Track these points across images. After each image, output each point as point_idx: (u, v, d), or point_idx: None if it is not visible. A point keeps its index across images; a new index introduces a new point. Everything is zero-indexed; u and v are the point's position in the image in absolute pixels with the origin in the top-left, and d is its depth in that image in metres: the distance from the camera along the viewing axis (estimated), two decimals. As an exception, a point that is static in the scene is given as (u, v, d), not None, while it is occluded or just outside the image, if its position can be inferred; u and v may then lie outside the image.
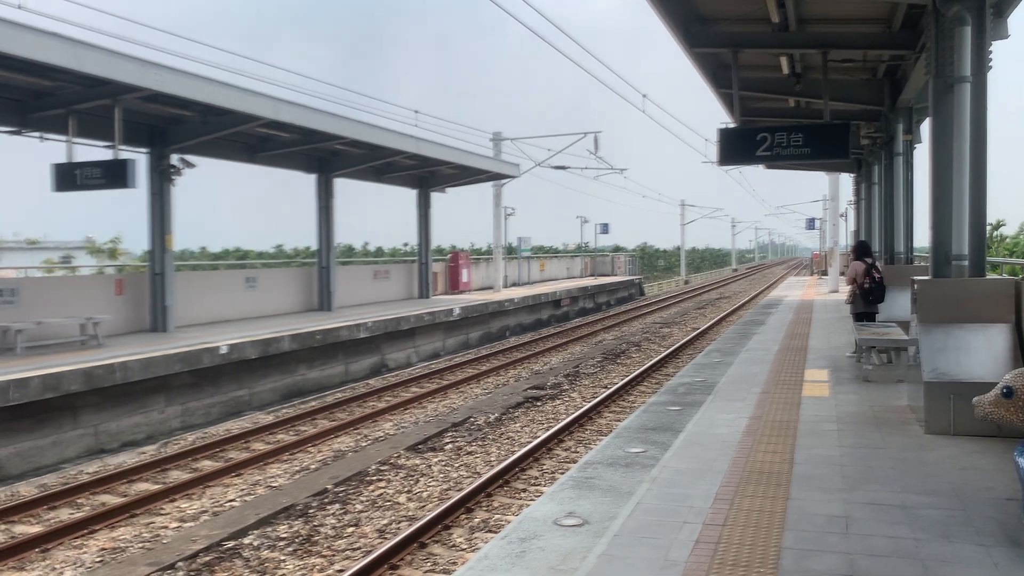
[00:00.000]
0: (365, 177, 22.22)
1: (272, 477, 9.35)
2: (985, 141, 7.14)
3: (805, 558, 4.10)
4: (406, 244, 42.40)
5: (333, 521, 7.74)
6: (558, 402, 13.43)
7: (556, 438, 10.56)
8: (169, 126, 15.00)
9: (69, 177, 12.97)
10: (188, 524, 7.80)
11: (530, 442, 10.39)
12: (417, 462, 9.77)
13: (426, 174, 24.04)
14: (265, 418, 12.74)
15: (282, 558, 6.87)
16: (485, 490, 8.38)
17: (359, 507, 8.14)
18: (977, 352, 6.68)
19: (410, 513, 7.95)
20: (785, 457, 6.03)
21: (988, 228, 14.02)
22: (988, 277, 7.51)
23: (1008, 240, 22.21)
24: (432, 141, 20.28)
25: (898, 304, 11.17)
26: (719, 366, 10.91)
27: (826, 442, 6.48)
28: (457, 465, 9.67)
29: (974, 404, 4.90)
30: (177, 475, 9.58)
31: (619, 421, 11.26)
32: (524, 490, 8.61)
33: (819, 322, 16.50)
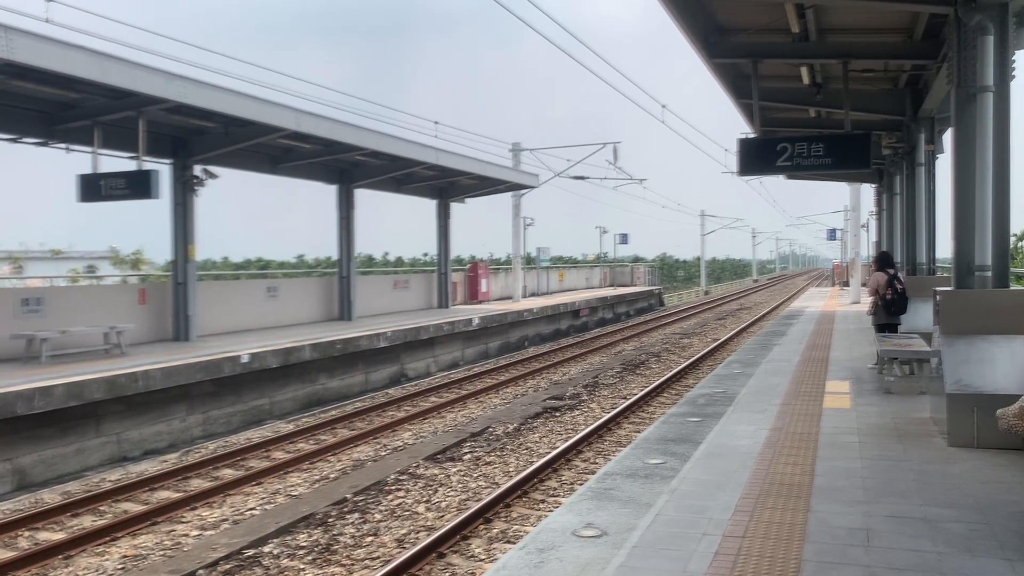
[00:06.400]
0: (385, 188, 22.35)
1: (292, 486, 9.40)
2: (1008, 151, 7.08)
3: (825, 571, 4.07)
4: (426, 254, 42.63)
5: (352, 530, 7.76)
6: (577, 413, 13.40)
7: (575, 449, 10.53)
8: (192, 137, 15.19)
9: (94, 188, 13.17)
10: (209, 532, 7.86)
11: (549, 453, 10.38)
12: (436, 472, 9.78)
13: (446, 184, 24.16)
14: (285, 427, 12.81)
15: (301, 567, 6.91)
16: (503, 500, 8.37)
17: (378, 516, 8.17)
18: (1001, 364, 6.60)
19: (429, 523, 7.96)
20: (806, 469, 5.99)
21: (1012, 239, 13.82)
22: (1012, 288, 7.43)
23: (1033, 251, 21.87)
24: (452, 152, 20.39)
25: (920, 315, 11.07)
26: (739, 377, 10.85)
27: (847, 454, 6.43)
28: (476, 475, 9.67)
29: (998, 416, 4.85)
30: (198, 483, 9.66)
31: (638, 432, 11.22)
32: (543, 501, 8.60)
33: (840, 333, 16.37)
